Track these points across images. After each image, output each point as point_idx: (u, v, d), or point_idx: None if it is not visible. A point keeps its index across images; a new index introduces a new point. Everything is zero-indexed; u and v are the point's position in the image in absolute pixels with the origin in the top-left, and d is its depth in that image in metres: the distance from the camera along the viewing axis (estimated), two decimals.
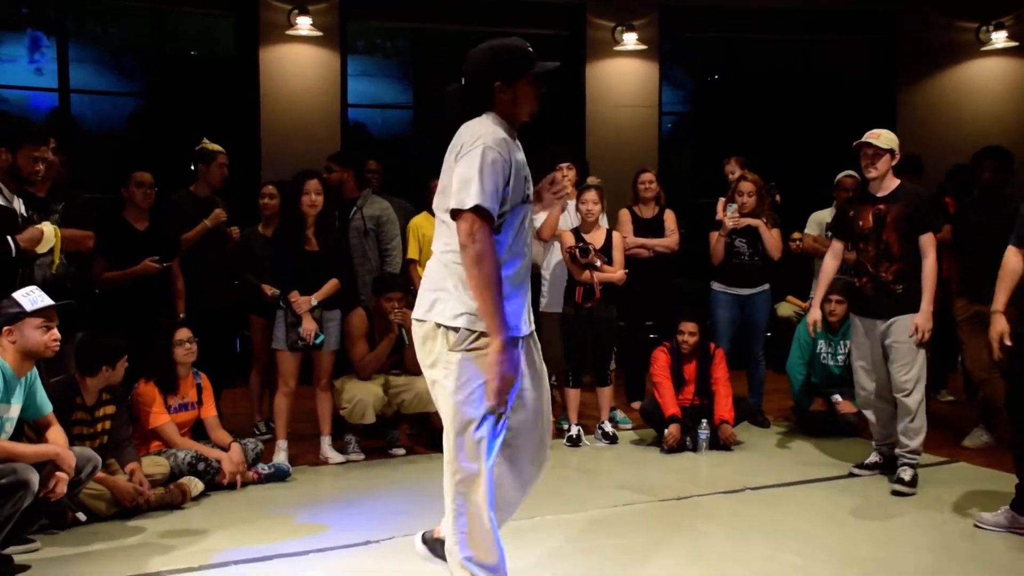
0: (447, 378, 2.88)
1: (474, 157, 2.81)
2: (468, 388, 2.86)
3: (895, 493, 4.73)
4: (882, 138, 4.78)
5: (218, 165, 5.87)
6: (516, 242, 2.96)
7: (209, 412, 5.04)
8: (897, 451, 4.88)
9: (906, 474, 4.78)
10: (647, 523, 4.34)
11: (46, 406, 3.90)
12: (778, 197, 6.49)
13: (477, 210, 2.77)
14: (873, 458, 5.12)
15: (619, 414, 6.39)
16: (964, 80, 9.42)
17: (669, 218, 6.55)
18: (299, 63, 8.43)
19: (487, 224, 2.79)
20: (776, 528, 4.23)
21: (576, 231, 5.91)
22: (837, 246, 5.12)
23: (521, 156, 2.99)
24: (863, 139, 4.79)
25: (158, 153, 7.91)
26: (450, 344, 2.88)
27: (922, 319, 4.71)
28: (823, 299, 6.01)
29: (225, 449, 4.89)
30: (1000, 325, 4.12)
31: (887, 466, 5.05)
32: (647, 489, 4.86)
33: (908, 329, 4.74)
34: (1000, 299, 4.18)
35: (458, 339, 2.86)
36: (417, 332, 2.98)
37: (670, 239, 6.51)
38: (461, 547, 2.94)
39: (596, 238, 5.88)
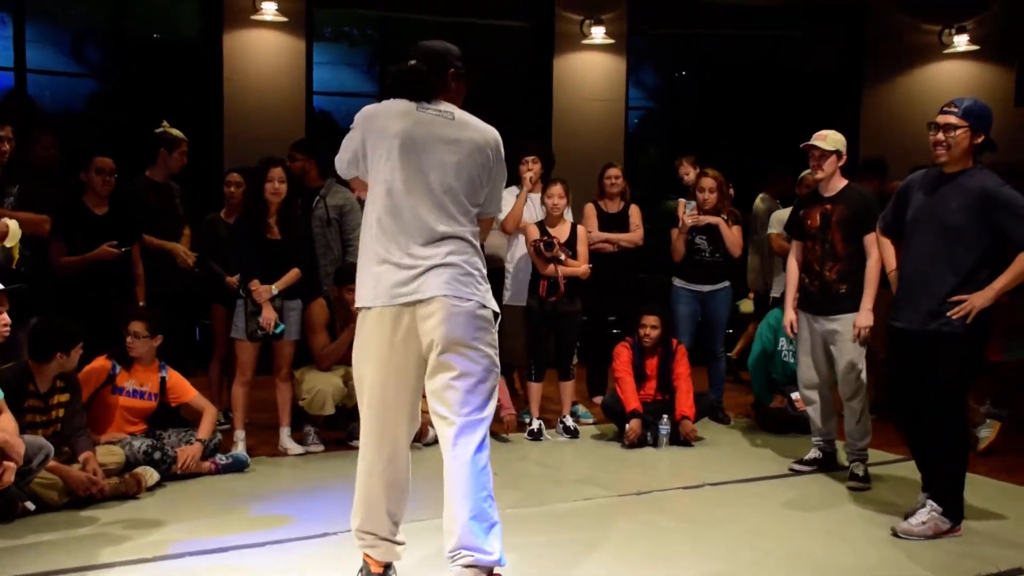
0: (496, 358, 3.19)
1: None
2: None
3: (851, 488, 4.81)
4: (828, 140, 4.85)
5: (180, 153, 5.81)
6: None
7: (188, 395, 5.02)
8: (847, 450, 4.98)
9: (859, 470, 4.89)
10: (607, 518, 4.35)
11: None
12: (731, 190, 6.54)
13: None
14: (813, 454, 5.20)
15: (580, 408, 6.40)
16: (927, 81, 9.52)
17: (634, 213, 6.56)
18: (264, 49, 8.34)
19: None
20: (734, 524, 4.26)
21: (541, 224, 5.91)
22: (796, 246, 5.13)
23: None
24: (810, 141, 4.87)
25: (118, 136, 7.77)
26: (495, 327, 3.20)
27: (860, 317, 4.77)
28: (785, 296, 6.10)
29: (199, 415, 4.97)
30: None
31: (826, 462, 5.14)
32: (607, 484, 4.88)
33: (851, 331, 4.81)
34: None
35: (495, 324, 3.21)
36: (465, 311, 3.09)
37: (635, 234, 6.52)
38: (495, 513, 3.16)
39: (561, 232, 5.87)
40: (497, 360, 3.20)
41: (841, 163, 4.88)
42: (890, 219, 4.40)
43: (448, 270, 3.07)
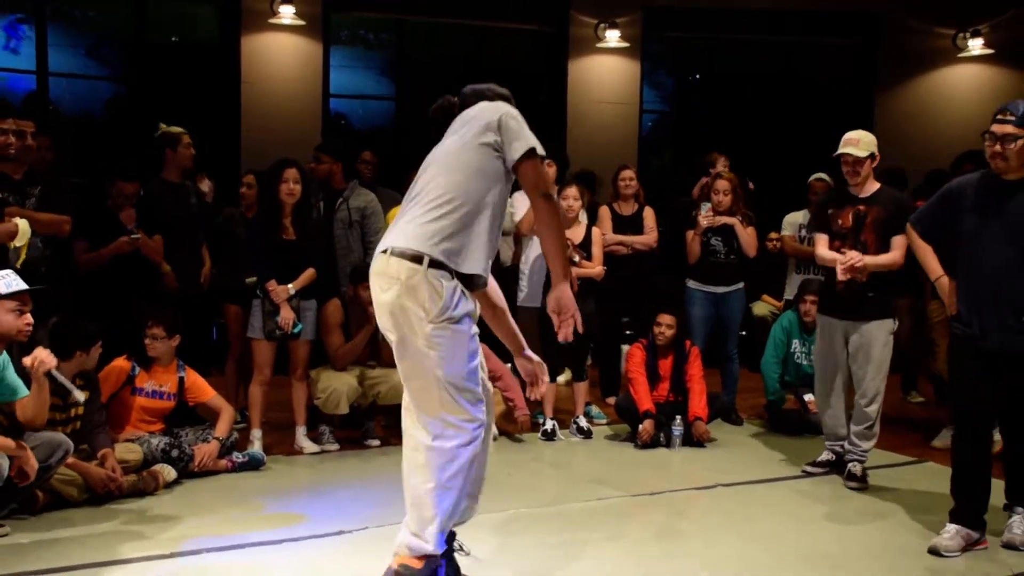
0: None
1: (510, 111, 3.12)
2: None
3: (849, 488, 4.84)
4: (861, 144, 4.77)
5: (184, 146, 5.86)
6: None
7: (206, 395, 5.05)
8: (847, 447, 4.99)
9: (857, 469, 4.90)
10: (620, 518, 4.36)
11: (20, 391, 3.86)
12: (751, 185, 6.54)
13: (541, 158, 3.10)
14: (825, 456, 5.19)
15: (594, 409, 6.42)
16: (941, 85, 9.53)
17: (648, 215, 6.58)
18: (281, 52, 8.41)
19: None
20: (746, 525, 4.27)
21: None
22: (823, 237, 4.98)
23: None
24: (842, 149, 4.77)
25: (137, 139, 7.84)
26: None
27: (857, 258, 4.66)
28: (799, 298, 6.12)
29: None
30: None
31: (839, 464, 5.12)
32: (620, 484, 4.89)
33: (879, 337, 4.81)
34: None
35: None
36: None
37: (648, 236, 6.55)
38: None
39: (575, 234, 5.90)
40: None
41: (875, 164, 4.81)
42: (933, 224, 4.15)
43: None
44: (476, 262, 3.07)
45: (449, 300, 2.99)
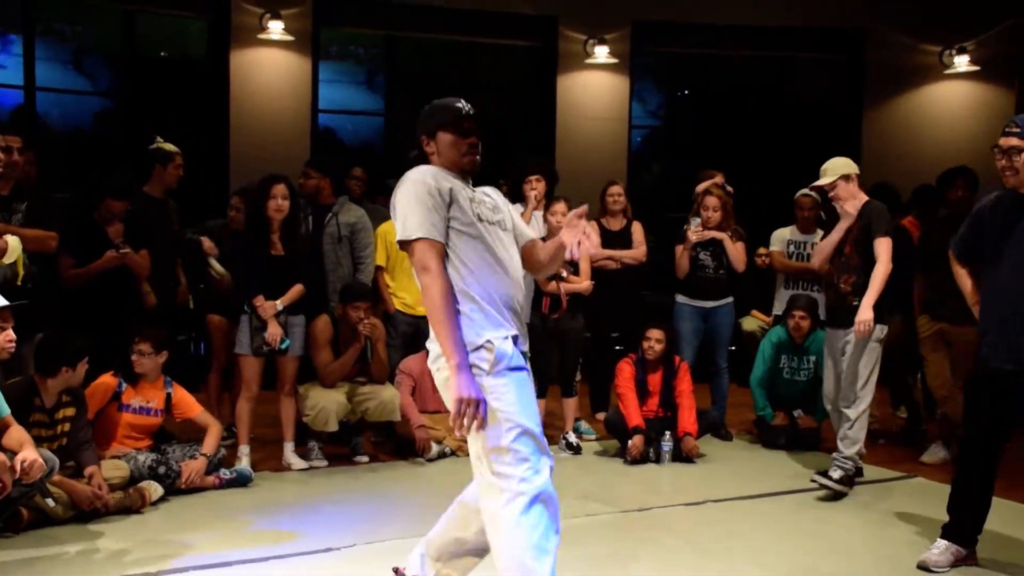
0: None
1: (402, 192, 2.98)
2: None
3: (823, 488, 4.88)
4: (827, 173, 4.98)
5: (175, 166, 5.86)
6: (483, 260, 3.04)
7: (193, 411, 5.03)
8: (833, 454, 5.02)
9: (836, 473, 4.93)
10: (609, 534, 4.35)
11: (2, 408, 3.83)
12: (729, 188, 6.56)
13: (421, 239, 2.91)
14: None
15: (583, 425, 6.41)
16: (927, 102, 9.60)
17: (637, 230, 6.60)
18: (270, 67, 8.41)
19: (434, 250, 2.92)
20: (737, 540, 4.26)
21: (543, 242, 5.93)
22: None
23: (460, 185, 3.05)
24: (809, 190, 4.98)
25: (126, 154, 7.83)
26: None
27: (860, 313, 4.79)
28: (787, 313, 6.14)
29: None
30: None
31: (854, 474, 5.11)
32: (610, 500, 4.88)
33: (861, 343, 4.88)
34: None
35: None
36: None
37: (637, 251, 6.56)
38: None
39: None
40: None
41: (855, 181, 4.99)
42: (966, 246, 4.05)
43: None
44: (497, 316, 3.04)
45: (500, 356, 2.98)
